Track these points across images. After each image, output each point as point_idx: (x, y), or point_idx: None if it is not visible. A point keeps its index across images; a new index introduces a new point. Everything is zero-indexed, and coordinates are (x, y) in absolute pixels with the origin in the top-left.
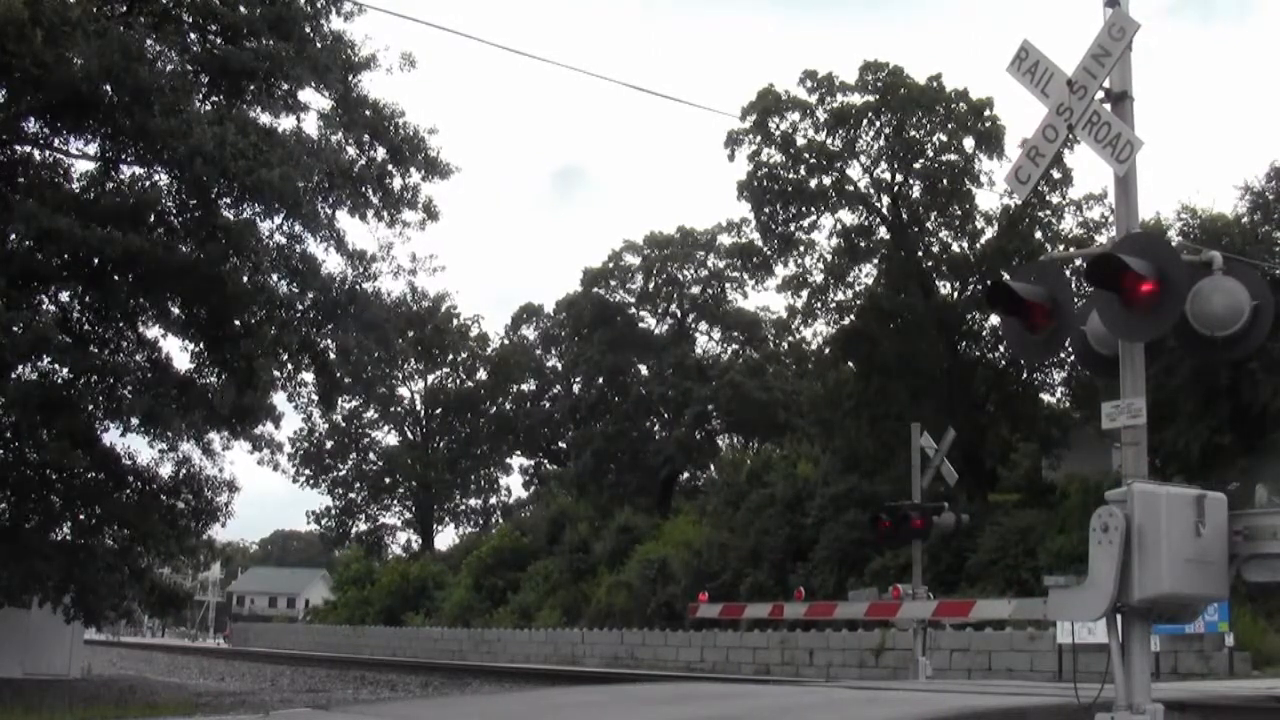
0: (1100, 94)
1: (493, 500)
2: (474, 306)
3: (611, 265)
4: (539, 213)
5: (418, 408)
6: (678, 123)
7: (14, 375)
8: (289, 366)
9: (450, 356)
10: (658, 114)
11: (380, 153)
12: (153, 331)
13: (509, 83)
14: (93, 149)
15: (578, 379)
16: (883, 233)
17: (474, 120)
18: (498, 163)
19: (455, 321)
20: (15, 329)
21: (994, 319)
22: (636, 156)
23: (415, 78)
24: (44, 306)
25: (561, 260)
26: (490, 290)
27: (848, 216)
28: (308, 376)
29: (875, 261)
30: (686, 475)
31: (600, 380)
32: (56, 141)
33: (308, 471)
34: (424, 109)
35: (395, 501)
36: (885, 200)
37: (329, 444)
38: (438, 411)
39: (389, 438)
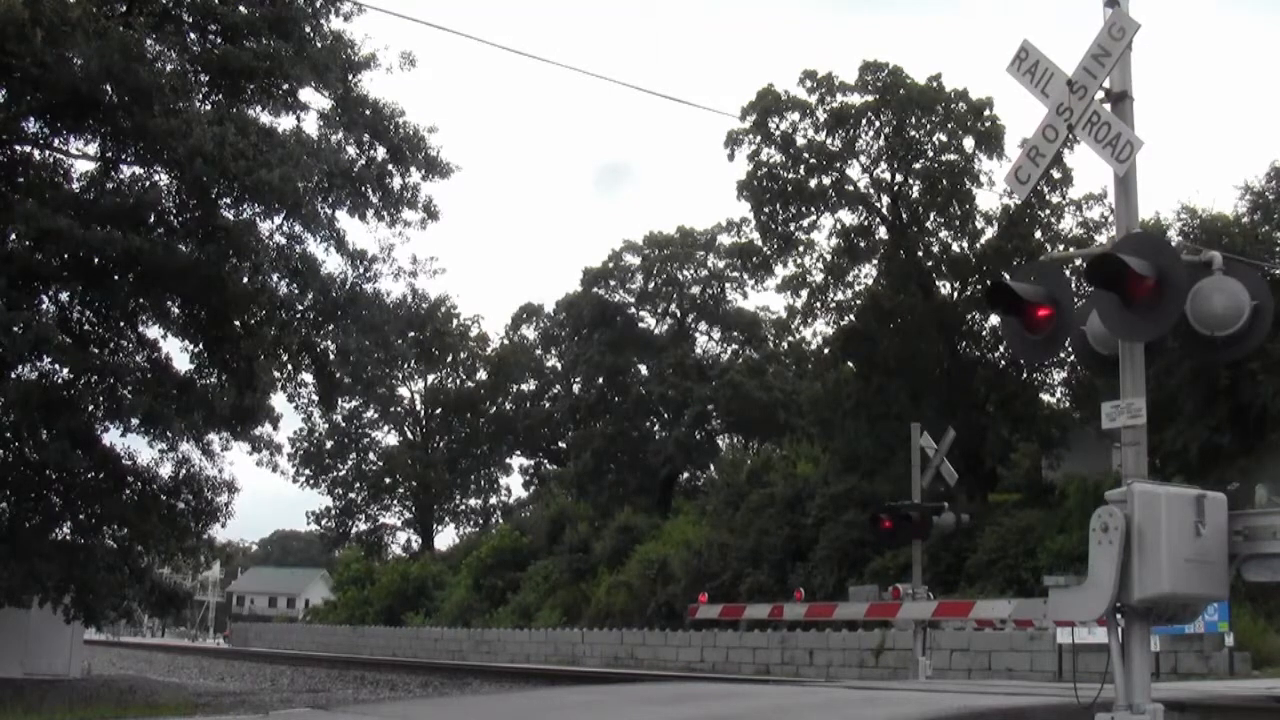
0: (1100, 94)
1: (493, 500)
2: (481, 307)
3: (611, 265)
4: (539, 213)
5: (418, 408)
6: (677, 123)
7: (14, 375)
8: (289, 367)
9: (450, 357)
10: (657, 114)
11: (380, 152)
12: (153, 332)
13: (506, 83)
14: (93, 149)
15: (578, 379)
16: (883, 233)
17: (469, 121)
18: (495, 163)
19: (455, 322)
20: (15, 329)
21: (994, 319)
22: (636, 156)
23: (415, 78)
24: (44, 306)
25: (566, 260)
26: (497, 290)
27: (847, 216)
28: (307, 377)
29: (875, 261)
30: (686, 475)
31: (600, 380)
32: (56, 141)
33: (308, 472)
34: (425, 109)
35: (395, 501)
36: (885, 200)
37: (329, 444)
38: (438, 411)
39: (389, 438)
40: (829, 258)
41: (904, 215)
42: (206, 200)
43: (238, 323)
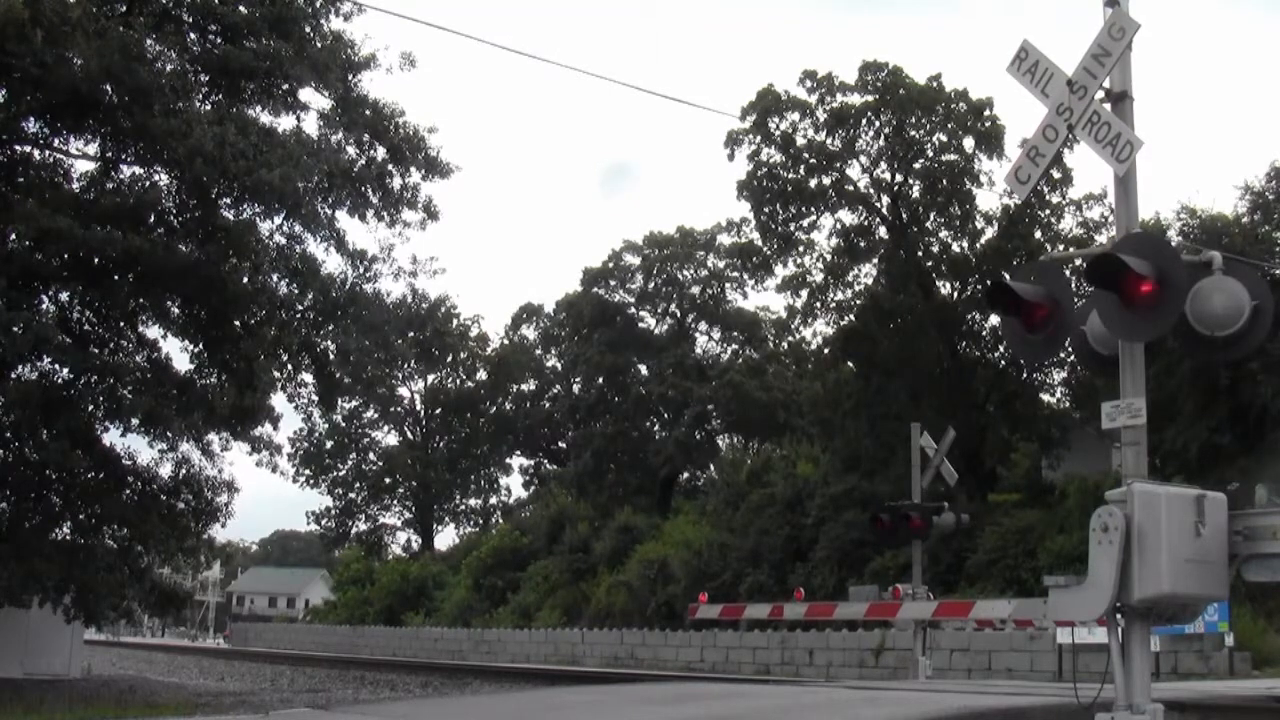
0: (1100, 94)
1: (493, 500)
2: (481, 307)
3: (611, 265)
4: (539, 213)
5: (418, 408)
6: (677, 123)
7: (14, 375)
8: (289, 367)
9: (450, 357)
10: (658, 114)
11: (380, 152)
12: (153, 332)
13: (507, 83)
14: (93, 149)
15: (578, 379)
16: (882, 233)
17: (469, 121)
18: (496, 163)
19: (455, 322)
20: (15, 329)
21: (994, 319)
22: (636, 156)
23: (415, 78)
24: (44, 306)
25: (567, 260)
26: (497, 290)
27: (847, 216)
28: (307, 377)
29: (875, 261)
30: (686, 475)
31: (600, 380)
32: (56, 141)
33: (308, 472)
34: (425, 109)
35: (395, 501)
36: (885, 200)
37: (329, 444)
38: (438, 411)
39: (389, 438)
40: (829, 258)
41: (904, 215)
42: (206, 200)
43: (238, 323)
